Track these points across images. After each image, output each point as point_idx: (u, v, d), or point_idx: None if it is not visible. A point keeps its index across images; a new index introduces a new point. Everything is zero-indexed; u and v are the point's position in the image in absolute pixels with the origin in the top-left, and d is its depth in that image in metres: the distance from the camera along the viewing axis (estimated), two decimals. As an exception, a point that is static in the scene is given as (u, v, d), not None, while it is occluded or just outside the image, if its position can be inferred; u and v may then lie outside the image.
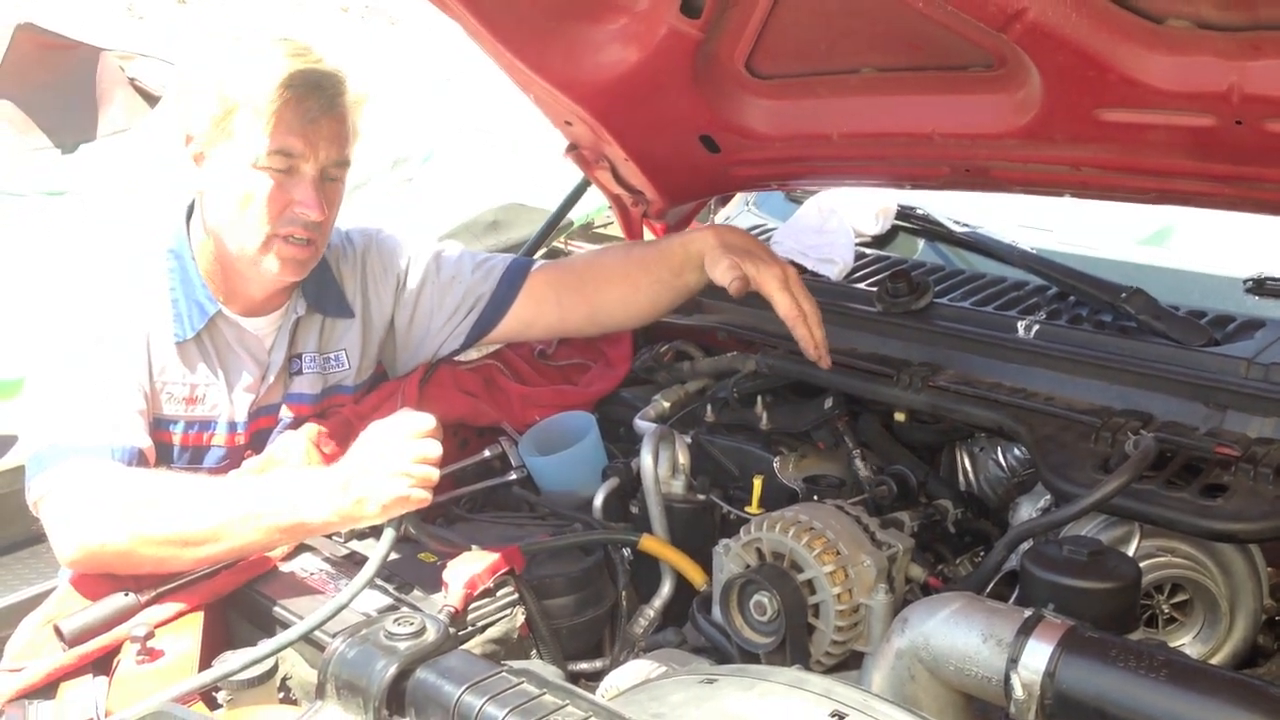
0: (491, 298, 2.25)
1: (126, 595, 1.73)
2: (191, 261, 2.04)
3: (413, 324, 2.27)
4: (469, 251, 2.32)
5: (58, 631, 1.67)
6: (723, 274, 2.08)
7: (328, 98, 1.96)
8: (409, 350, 2.29)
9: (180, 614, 1.75)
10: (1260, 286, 1.96)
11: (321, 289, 2.16)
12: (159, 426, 2.00)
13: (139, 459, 1.89)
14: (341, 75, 2.00)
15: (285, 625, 1.73)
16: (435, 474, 1.74)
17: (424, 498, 1.73)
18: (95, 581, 1.77)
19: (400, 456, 1.72)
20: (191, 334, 2.01)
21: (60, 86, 6.18)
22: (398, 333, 2.28)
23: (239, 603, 1.83)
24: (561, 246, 5.23)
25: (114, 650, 1.68)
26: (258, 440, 2.10)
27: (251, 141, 1.92)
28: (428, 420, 1.77)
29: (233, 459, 2.06)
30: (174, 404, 2.02)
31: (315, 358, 2.16)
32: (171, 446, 2.02)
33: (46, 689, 1.63)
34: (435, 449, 1.75)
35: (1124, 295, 1.92)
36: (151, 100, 6.49)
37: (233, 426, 2.07)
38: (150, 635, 1.64)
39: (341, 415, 2.11)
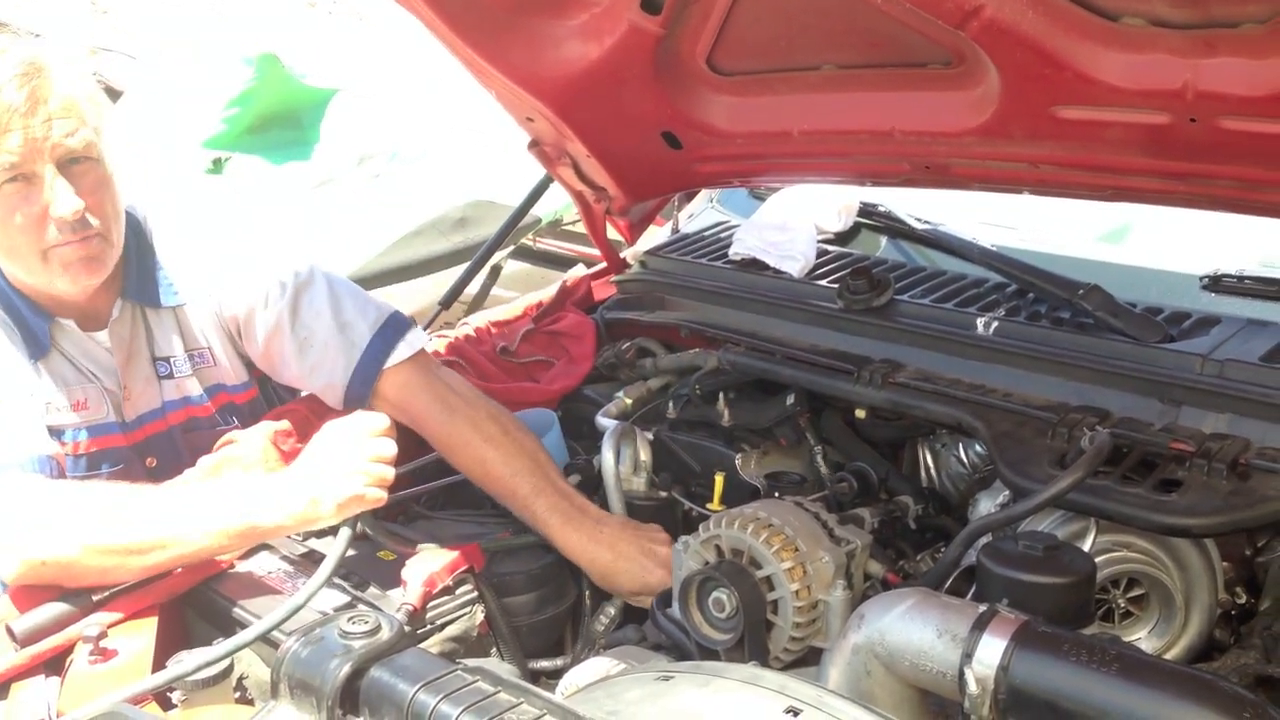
0: (346, 391, 2.05)
1: (80, 594, 1.71)
2: (8, 285, 1.93)
3: (265, 358, 2.11)
4: (326, 307, 2.06)
5: (9, 631, 1.65)
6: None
7: (19, 90, 1.74)
8: (274, 373, 2.15)
9: (134, 613, 1.73)
10: (1216, 283, 1.97)
11: (144, 280, 2.01)
12: (52, 437, 1.92)
13: (53, 466, 1.84)
14: (28, 57, 1.77)
15: (242, 624, 1.72)
16: (390, 473, 1.73)
17: (379, 497, 1.72)
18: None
19: (355, 456, 1.71)
20: (43, 352, 1.94)
21: (22, 81, 6.12)
22: (252, 355, 2.13)
23: (195, 601, 1.81)
24: (530, 243, 5.23)
25: (66, 650, 1.66)
26: (154, 446, 2.05)
27: None
28: (382, 419, 1.76)
29: (129, 463, 2.01)
30: (60, 413, 1.94)
31: (184, 359, 2.06)
32: (68, 456, 1.95)
33: (-2, 689, 1.61)
34: (390, 448, 1.74)
35: (1081, 292, 1.93)
36: (114, 95, 6.42)
37: (108, 430, 1.99)
38: (103, 635, 1.62)
39: (299, 412, 2.09)
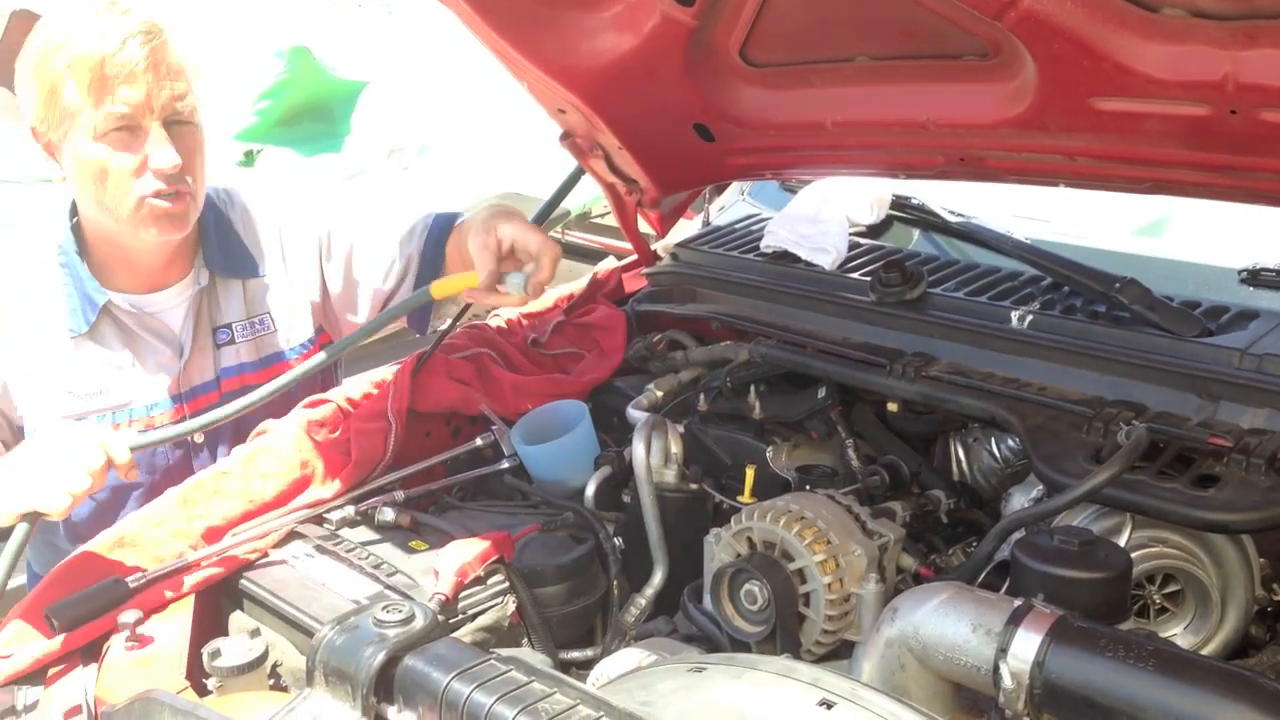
0: (421, 258, 2.24)
1: (116, 582, 1.73)
2: (76, 256, 2.05)
3: (346, 286, 2.26)
4: (387, 209, 2.32)
5: (47, 618, 1.67)
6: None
7: (138, 45, 1.90)
8: (350, 310, 2.29)
9: (170, 601, 1.75)
10: (1255, 277, 1.95)
11: (226, 253, 2.15)
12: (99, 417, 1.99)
13: None
14: (150, 19, 1.95)
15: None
16: (80, 489, 1.67)
17: (55, 510, 1.66)
18: (85, 568, 1.76)
19: (48, 469, 1.67)
20: (86, 326, 2.02)
21: (55, 74, 6.16)
22: (332, 296, 2.27)
23: (229, 590, 1.83)
24: (559, 236, 5.24)
25: (103, 637, 1.68)
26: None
27: (84, 115, 1.90)
28: (94, 456, 1.69)
29: (173, 443, 2.06)
30: (79, 400, 2.01)
31: (245, 325, 2.17)
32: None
33: (35, 675, 1.63)
34: (82, 483, 1.67)
35: (1118, 286, 1.91)
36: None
37: (151, 409, 2.07)
38: (140, 622, 1.64)
39: (333, 404, 2.10)
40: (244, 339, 2.16)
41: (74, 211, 2.10)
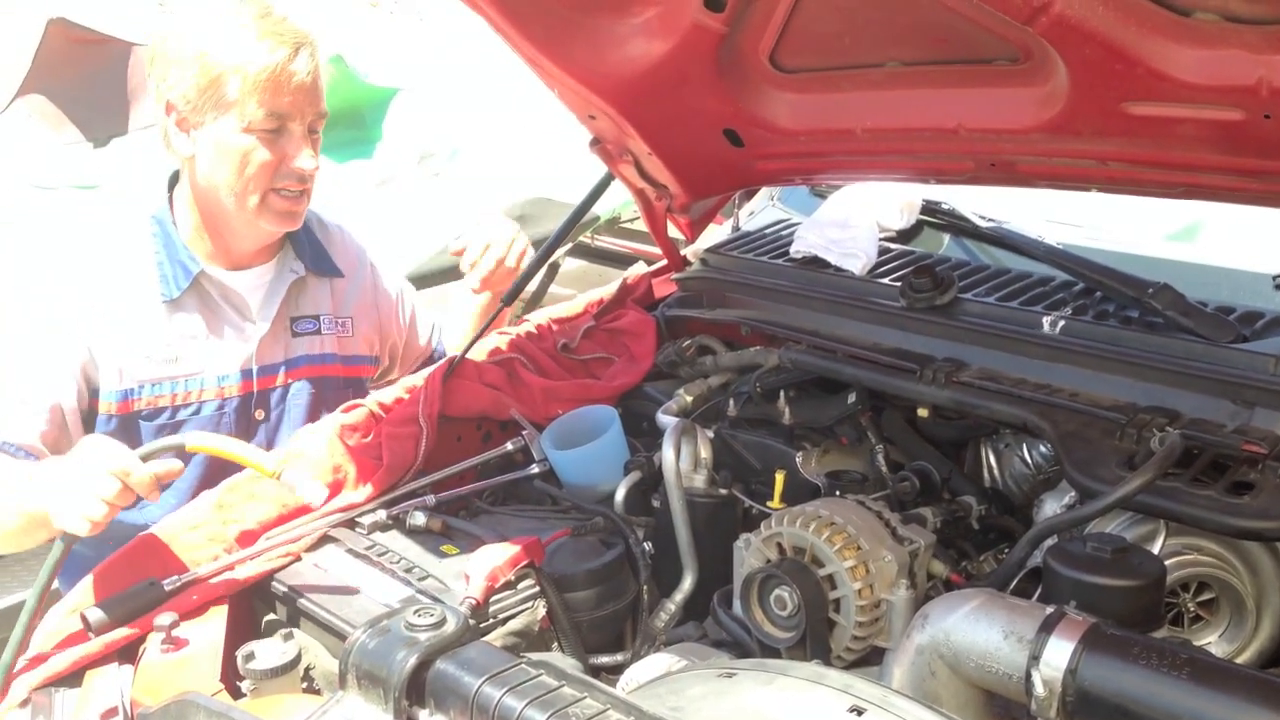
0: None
1: (152, 584, 1.75)
2: (173, 226, 2.18)
3: (410, 335, 2.55)
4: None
5: (84, 620, 1.69)
6: None
7: (307, 58, 2.10)
8: (402, 354, 2.56)
9: (205, 603, 1.76)
10: (1289, 283, 1.93)
11: (315, 253, 2.32)
12: (136, 394, 2.12)
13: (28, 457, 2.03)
14: (309, 34, 2.14)
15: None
16: (100, 515, 1.69)
17: (83, 529, 1.70)
18: (121, 570, 1.78)
19: (86, 486, 1.69)
20: (178, 293, 2.14)
21: (92, 81, 6.20)
22: (393, 340, 2.52)
23: (263, 593, 1.84)
24: (588, 241, 5.24)
25: (139, 639, 1.70)
26: (268, 400, 2.24)
27: (242, 106, 2.06)
28: (109, 485, 1.69)
29: (237, 416, 2.20)
30: (155, 365, 2.13)
31: (332, 321, 2.33)
32: (160, 409, 2.14)
33: (72, 677, 1.65)
34: (99, 510, 1.69)
35: (1151, 291, 1.90)
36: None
37: (221, 380, 2.19)
38: (175, 624, 1.66)
39: (365, 409, 2.11)
40: (329, 332, 2.32)
41: (170, 186, 2.23)
